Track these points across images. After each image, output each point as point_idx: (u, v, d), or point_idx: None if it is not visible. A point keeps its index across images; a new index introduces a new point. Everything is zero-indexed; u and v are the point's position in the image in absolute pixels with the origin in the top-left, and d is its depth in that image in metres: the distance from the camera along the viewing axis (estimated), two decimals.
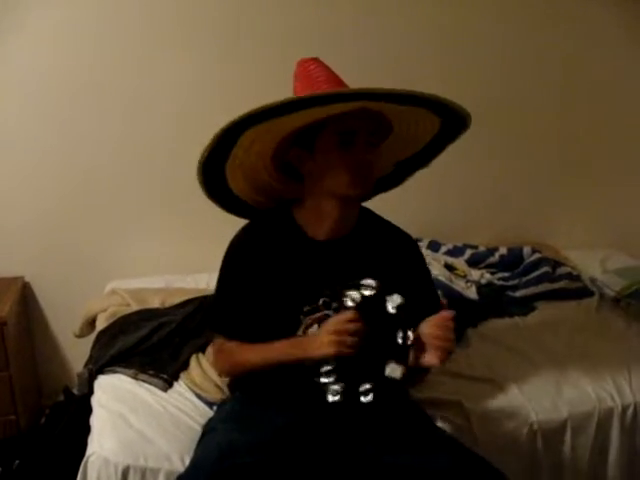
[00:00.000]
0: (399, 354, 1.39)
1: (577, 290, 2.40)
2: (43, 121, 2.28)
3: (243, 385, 1.52)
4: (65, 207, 2.37)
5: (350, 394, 1.34)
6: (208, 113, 2.13)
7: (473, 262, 2.58)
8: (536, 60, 2.64)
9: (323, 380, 1.34)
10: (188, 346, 1.88)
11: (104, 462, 1.43)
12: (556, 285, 2.39)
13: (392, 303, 1.36)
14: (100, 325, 2.06)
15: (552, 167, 2.81)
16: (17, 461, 1.88)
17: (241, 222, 1.56)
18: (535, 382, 1.79)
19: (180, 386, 1.74)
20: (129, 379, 1.75)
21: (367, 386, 1.36)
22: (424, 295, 1.55)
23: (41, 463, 1.83)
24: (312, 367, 1.35)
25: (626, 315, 2.24)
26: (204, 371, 1.76)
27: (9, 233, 2.34)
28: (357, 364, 1.35)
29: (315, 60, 1.43)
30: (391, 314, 1.36)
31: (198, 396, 1.69)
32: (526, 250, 2.63)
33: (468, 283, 2.38)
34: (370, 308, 1.35)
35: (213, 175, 1.42)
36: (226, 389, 1.64)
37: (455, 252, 2.62)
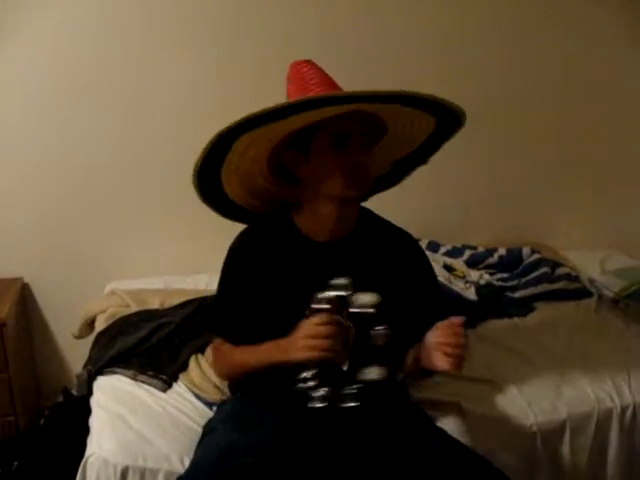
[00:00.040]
0: (380, 355, 1.39)
1: (576, 291, 2.41)
2: (43, 122, 2.28)
3: (243, 386, 1.52)
4: (64, 208, 2.37)
5: (335, 398, 1.33)
6: (208, 113, 2.14)
7: (472, 263, 2.58)
8: (536, 60, 2.65)
9: (301, 386, 1.33)
10: (187, 347, 1.88)
11: (103, 463, 1.43)
12: (555, 286, 2.40)
13: (366, 301, 1.33)
14: (99, 326, 2.06)
15: (551, 167, 2.81)
16: (16, 462, 1.88)
17: (241, 224, 1.56)
18: (534, 383, 1.80)
19: (179, 387, 1.74)
20: (128, 380, 1.74)
21: (353, 390, 1.35)
22: (429, 294, 1.55)
23: (40, 464, 1.82)
24: (291, 374, 1.34)
25: (625, 316, 2.25)
26: (203, 372, 1.76)
27: (8, 234, 2.33)
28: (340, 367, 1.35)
29: (308, 62, 1.43)
30: (369, 313, 1.33)
31: (197, 397, 1.69)
32: (525, 251, 2.63)
33: (467, 284, 2.39)
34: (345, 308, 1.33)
35: (209, 180, 1.42)
36: (226, 389, 1.64)
37: (454, 253, 2.62)
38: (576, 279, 2.47)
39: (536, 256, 2.58)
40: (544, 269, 2.48)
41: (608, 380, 1.81)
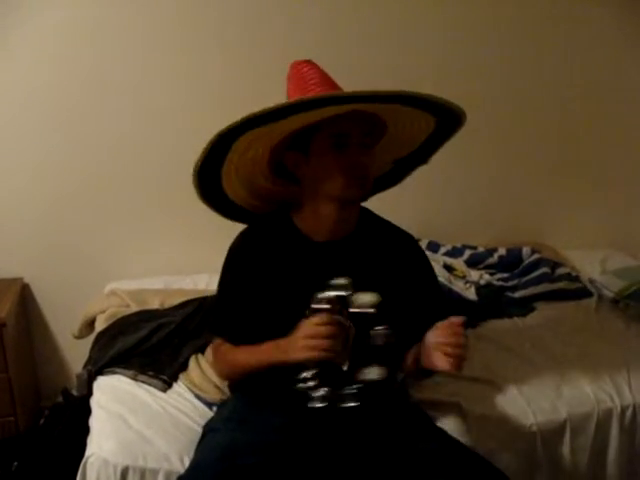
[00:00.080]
0: (380, 355, 1.38)
1: (576, 291, 2.41)
2: (43, 122, 2.28)
3: (244, 385, 1.52)
4: (64, 208, 2.37)
5: (335, 398, 1.33)
6: (209, 114, 2.13)
7: (472, 263, 2.58)
8: (536, 60, 2.65)
9: (301, 386, 1.32)
10: (187, 347, 1.88)
11: (103, 463, 1.43)
12: (555, 286, 2.40)
13: (366, 301, 1.32)
14: (99, 326, 2.06)
15: (551, 167, 2.81)
16: (16, 462, 1.87)
17: (241, 224, 1.56)
18: (534, 383, 1.80)
19: (179, 387, 1.74)
20: (128, 380, 1.75)
21: (352, 390, 1.34)
22: (429, 294, 1.55)
23: (40, 464, 1.82)
24: (291, 374, 1.33)
25: (625, 316, 2.25)
26: (203, 372, 1.76)
27: (8, 234, 2.33)
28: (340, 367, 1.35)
29: (308, 62, 1.43)
30: (369, 313, 1.32)
31: (197, 397, 1.69)
32: (525, 251, 2.63)
33: (467, 284, 2.39)
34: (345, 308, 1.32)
35: (209, 180, 1.42)
36: (226, 389, 1.64)
37: (454, 253, 2.62)
38: (576, 279, 2.48)
39: (536, 256, 2.59)
40: (544, 269, 2.48)
41: (608, 380, 1.81)
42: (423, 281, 1.56)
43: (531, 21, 2.60)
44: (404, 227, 1.58)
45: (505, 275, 2.54)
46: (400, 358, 1.56)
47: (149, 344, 1.90)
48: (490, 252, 2.63)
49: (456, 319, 1.32)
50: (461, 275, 2.44)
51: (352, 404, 1.34)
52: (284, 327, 1.37)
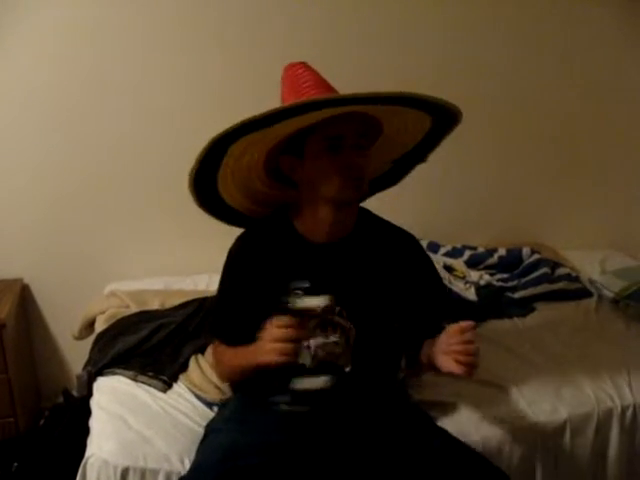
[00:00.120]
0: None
1: (576, 291, 2.41)
2: (42, 123, 2.27)
3: (245, 386, 1.52)
4: (64, 209, 2.37)
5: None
6: (209, 114, 2.14)
7: (472, 263, 2.58)
8: (536, 60, 2.65)
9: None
10: (187, 347, 1.88)
11: (103, 464, 1.43)
12: (555, 286, 2.40)
13: (317, 304, 1.30)
14: (99, 327, 2.06)
15: (551, 168, 2.81)
16: (16, 463, 1.88)
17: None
18: (534, 383, 1.79)
19: (179, 387, 1.74)
20: (128, 381, 1.75)
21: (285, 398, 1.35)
22: (432, 290, 1.56)
23: (40, 465, 1.82)
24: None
25: (625, 316, 2.25)
26: (203, 372, 1.76)
27: (8, 235, 2.33)
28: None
29: (303, 64, 1.42)
30: (314, 311, 1.31)
31: (197, 397, 1.69)
32: (525, 251, 2.63)
33: (467, 284, 2.38)
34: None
35: (205, 186, 1.41)
36: (226, 390, 1.64)
37: (454, 253, 2.62)
38: (576, 279, 2.48)
39: (536, 256, 2.59)
40: (544, 269, 2.49)
41: (608, 380, 1.81)
42: (425, 279, 1.56)
43: (531, 21, 2.60)
44: (404, 227, 1.58)
45: (505, 275, 2.54)
46: (400, 358, 1.57)
47: (149, 345, 1.90)
48: (490, 252, 2.63)
49: (466, 324, 1.32)
50: (461, 275, 2.44)
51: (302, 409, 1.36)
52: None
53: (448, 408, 1.66)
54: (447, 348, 1.32)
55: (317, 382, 1.31)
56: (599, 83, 2.75)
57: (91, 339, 2.05)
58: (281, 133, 1.33)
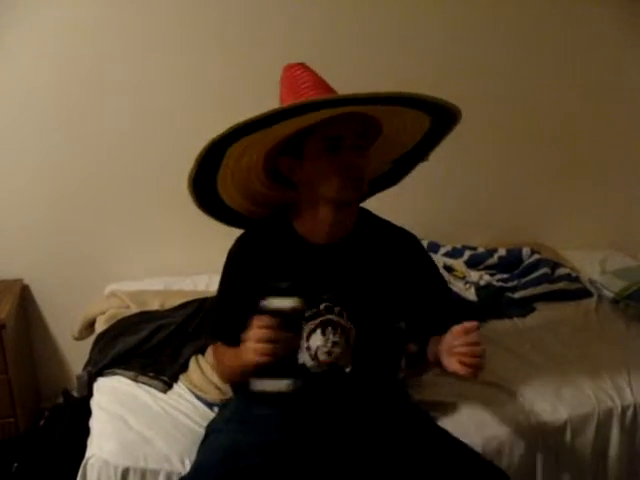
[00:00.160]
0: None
1: (576, 291, 2.41)
2: (42, 124, 2.27)
3: (245, 386, 1.52)
4: (64, 209, 2.36)
5: None
6: (209, 114, 2.14)
7: (472, 263, 2.58)
8: (536, 60, 2.65)
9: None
10: (187, 348, 1.88)
11: (104, 464, 1.43)
12: (555, 286, 2.40)
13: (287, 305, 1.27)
14: (99, 327, 2.06)
15: (551, 168, 2.81)
16: (16, 464, 1.88)
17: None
18: (534, 383, 1.80)
19: (180, 388, 1.74)
20: (128, 381, 1.75)
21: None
22: (434, 291, 1.55)
23: (40, 466, 1.82)
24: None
25: (625, 316, 2.25)
26: (204, 372, 1.76)
27: (8, 235, 2.33)
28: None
29: (301, 65, 1.42)
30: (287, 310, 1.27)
31: (198, 397, 1.69)
32: (525, 251, 2.63)
33: (467, 284, 2.39)
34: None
35: (205, 187, 1.41)
36: (226, 390, 1.64)
37: (454, 253, 2.62)
38: (576, 279, 2.48)
39: (536, 257, 2.59)
40: (544, 270, 2.49)
41: (608, 380, 1.82)
42: (428, 278, 1.56)
43: (531, 21, 2.60)
44: (404, 228, 1.57)
45: (505, 276, 2.54)
46: (400, 358, 1.57)
47: (149, 345, 1.90)
48: (490, 253, 2.63)
49: (470, 325, 1.31)
50: (461, 276, 2.44)
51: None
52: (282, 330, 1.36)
53: (448, 408, 1.66)
54: (452, 349, 1.31)
55: (278, 385, 1.27)
56: (599, 83, 2.75)
57: (91, 339, 2.05)
58: (280, 134, 1.33)
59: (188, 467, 1.42)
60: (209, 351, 1.80)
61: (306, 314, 1.41)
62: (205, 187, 1.41)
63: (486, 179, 2.76)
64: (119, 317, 2.05)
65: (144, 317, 2.04)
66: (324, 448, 1.37)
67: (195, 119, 2.30)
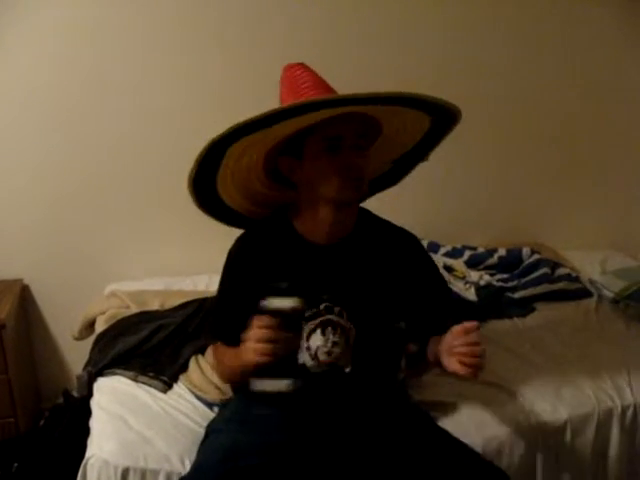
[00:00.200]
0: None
1: (576, 291, 2.41)
2: (42, 123, 2.27)
3: (245, 386, 1.52)
4: (64, 209, 2.36)
5: None
6: (209, 114, 2.14)
7: (472, 263, 2.58)
8: (536, 60, 2.65)
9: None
10: (187, 348, 1.88)
11: (104, 464, 1.43)
12: (555, 286, 2.40)
13: (287, 305, 1.26)
14: (99, 327, 2.06)
15: (551, 168, 2.81)
16: (16, 464, 1.88)
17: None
18: (534, 383, 1.80)
19: (180, 388, 1.74)
20: (128, 381, 1.75)
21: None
22: (434, 291, 1.55)
23: (40, 466, 1.82)
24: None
25: (625, 316, 2.25)
26: (203, 372, 1.76)
27: (8, 235, 2.33)
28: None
29: (301, 65, 1.42)
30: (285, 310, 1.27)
31: (198, 397, 1.69)
32: (525, 251, 2.63)
33: (467, 284, 2.38)
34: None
35: (205, 187, 1.41)
36: (226, 390, 1.64)
37: (454, 253, 2.62)
38: (576, 279, 2.48)
39: (536, 257, 2.59)
40: (544, 270, 2.49)
41: (608, 380, 1.82)
42: (428, 277, 1.56)
43: (531, 21, 2.60)
44: (404, 228, 1.57)
45: (505, 276, 2.54)
46: (400, 358, 1.57)
47: (149, 345, 1.90)
48: (490, 253, 2.63)
49: (470, 325, 1.31)
50: (461, 276, 2.44)
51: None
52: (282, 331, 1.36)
53: (448, 408, 1.66)
54: (451, 349, 1.31)
55: (278, 385, 1.27)
56: (599, 83, 2.75)
57: (91, 339, 2.05)
58: (280, 134, 1.33)
59: (188, 467, 1.42)
60: (209, 351, 1.80)
61: (306, 314, 1.41)
62: (205, 187, 1.41)
63: (486, 179, 2.76)
64: (119, 317, 2.05)
65: (144, 317, 2.04)
66: (324, 448, 1.37)
67: (195, 119, 2.30)
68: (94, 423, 1.59)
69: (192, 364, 1.81)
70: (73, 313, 2.21)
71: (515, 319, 2.22)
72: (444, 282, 1.63)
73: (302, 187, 1.43)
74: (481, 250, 2.65)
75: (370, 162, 1.40)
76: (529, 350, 1.98)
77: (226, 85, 2.36)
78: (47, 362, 2.50)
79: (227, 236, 1.51)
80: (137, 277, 2.39)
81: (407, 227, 1.57)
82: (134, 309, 2.10)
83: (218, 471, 1.25)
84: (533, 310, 2.28)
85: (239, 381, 1.50)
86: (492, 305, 2.26)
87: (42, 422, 2.02)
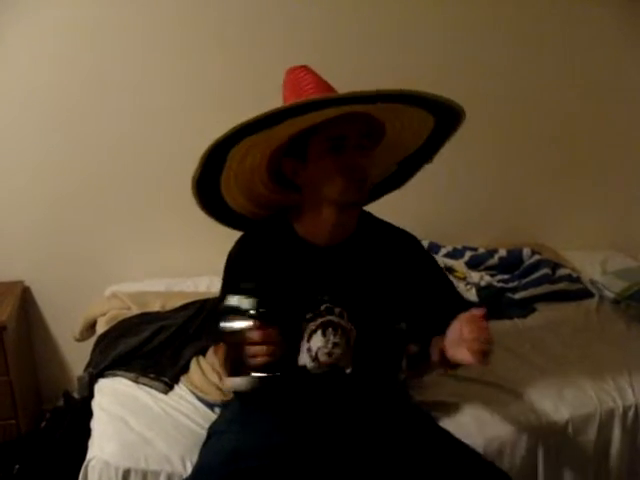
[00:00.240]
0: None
1: (577, 292, 2.41)
2: (42, 123, 2.27)
3: None
4: (65, 210, 2.36)
5: None
6: (209, 114, 2.14)
7: (473, 264, 2.58)
8: (536, 60, 2.65)
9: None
10: (188, 349, 1.88)
11: (105, 465, 1.43)
12: (556, 287, 2.40)
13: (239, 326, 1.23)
14: (100, 329, 2.05)
15: (551, 168, 2.81)
16: (17, 465, 1.88)
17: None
18: (535, 384, 1.79)
19: (180, 389, 1.74)
20: (129, 382, 1.75)
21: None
22: (440, 290, 1.54)
23: (41, 467, 1.83)
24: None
25: (626, 317, 2.25)
26: (204, 373, 1.76)
27: (9, 237, 2.33)
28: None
29: (304, 68, 1.41)
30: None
31: (199, 398, 1.69)
32: (526, 252, 2.63)
33: (468, 285, 2.39)
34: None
35: (208, 189, 1.41)
36: (227, 390, 1.63)
37: (454, 254, 2.62)
38: (577, 280, 2.48)
39: (536, 257, 2.59)
40: (545, 270, 2.48)
41: (610, 381, 1.82)
42: (430, 277, 1.55)
43: (531, 21, 2.60)
44: (405, 229, 1.57)
45: (506, 276, 2.54)
46: (401, 359, 1.57)
47: (150, 346, 1.89)
48: (490, 253, 2.63)
49: (477, 311, 1.26)
50: (461, 276, 2.44)
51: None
52: (283, 332, 1.36)
53: (450, 409, 1.66)
54: (459, 339, 1.25)
55: (238, 383, 1.24)
56: (599, 83, 2.75)
57: (92, 341, 2.05)
58: (283, 134, 1.32)
59: (189, 468, 1.43)
60: (210, 352, 1.80)
61: (307, 316, 1.41)
62: (208, 189, 1.41)
63: (486, 179, 2.76)
64: (120, 318, 2.05)
65: (145, 318, 2.04)
66: (325, 449, 1.37)
67: (195, 119, 2.30)
68: (95, 424, 1.59)
69: (193, 365, 1.81)
70: (74, 314, 2.21)
71: (516, 320, 2.22)
72: (449, 281, 1.63)
73: (305, 189, 1.42)
74: (482, 251, 2.65)
75: (374, 163, 1.40)
76: (530, 351, 1.98)
77: (226, 85, 2.36)
78: (48, 363, 2.50)
79: (228, 237, 1.51)
80: (138, 278, 2.38)
81: (407, 228, 1.57)
82: (135, 310, 2.10)
83: (220, 473, 1.24)
84: (534, 311, 2.28)
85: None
86: (493, 306, 2.25)
87: (43, 424, 2.02)
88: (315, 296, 1.41)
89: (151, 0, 2.26)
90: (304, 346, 1.41)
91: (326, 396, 1.43)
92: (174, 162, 2.13)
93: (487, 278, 2.49)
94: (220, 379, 1.70)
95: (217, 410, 1.63)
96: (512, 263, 2.60)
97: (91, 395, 1.74)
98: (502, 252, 2.63)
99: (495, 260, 2.60)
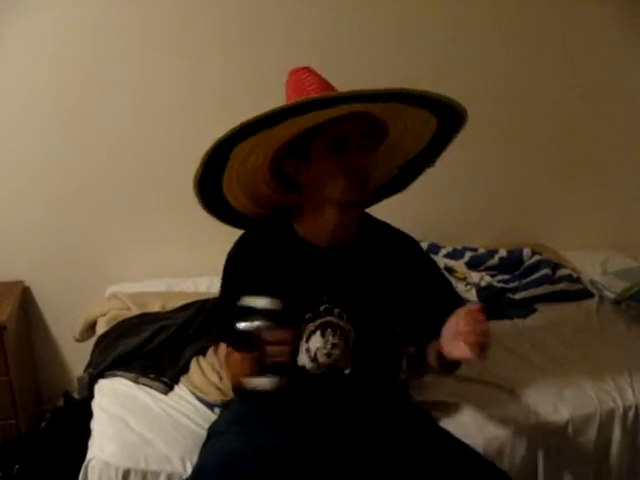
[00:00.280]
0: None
1: (577, 292, 2.41)
2: (42, 123, 2.27)
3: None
4: (65, 210, 2.36)
5: None
6: (209, 114, 2.14)
7: (473, 264, 2.58)
8: (536, 60, 2.65)
9: None
10: (188, 349, 1.88)
11: (105, 466, 1.43)
12: (556, 287, 2.40)
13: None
14: (100, 329, 2.05)
15: (551, 168, 2.81)
16: (17, 465, 1.88)
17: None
18: (536, 384, 1.79)
19: (181, 389, 1.74)
20: (129, 383, 1.75)
21: None
22: (439, 292, 1.54)
23: (41, 467, 1.83)
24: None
25: (626, 317, 2.25)
26: (204, 374, 1.76)
27: (9, 237, 2.33)
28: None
29: (307, 69, 1.42)
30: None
31: (199, 399, 1.69)
32: (526, 252, 2.63)
33: (468, 286, 2.39)
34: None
35: (210, 188, 1.41)
36: (227, 390, 1.64)
37: (455, 255, 2.61)
38: (577, 280, 2.48)
39: (537, 257, 2.58)
40: (545, 270, 2.48)
41: (610, 381, 1.82)
42: (429, 278, 1.55)
43: (531, 21, 2.60)
44: (405, 229, 1.57)
45: (506, 277, 2.54)
46: (401, 359, 1.57)
47: (150, 347, 1.89)
48: (491, 254, 2.63)
49: (474, 306, 1.26)
50: (462, 277, 2.44)
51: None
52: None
53: (450, 409, 1.66)
54: (455, 333, 1.24)
55: (263, 383, 1.22)
56: (599, 83, 2.75)
57: (92, 341, 2.04)
58: (286, 134, 1.32)
59: (189, 468, 1.43)
60: (210, 352, 1.80)
61: (306, 316, 1.41)
62: (210, 188, 1.41)
63: (486, 179, 2.76)
64: (120, 319, 2.05)
65: (145, 319, 2.04)
66: (325, 450, 1.37)
67: (195, 119, 2.30)
68: (95, 425, 1.59)
69: (193, 365, 1.81)
70: (74, 315, 2.21)
71: (516, 320, 2.22)
72: (448, 282, 1.63)
73: (308, 188, 1.42)
74: (482, 251, 2.65)
75: (376, 164, 1.40)
76: (530, 351, 1.98)
77: (226, 85, 2.36)
78: (48, 364, 2.50)
79: (229, 237, 1.50)
80: (138, 278, 2.38)
81: (407, 228, 1.57)
82: (135, 311, 2.10)
83: (219, 474, 1.24)
84: (534, 311, 2.28)
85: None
86: (493, 306, 2.25)
87: (43, 424, 2.02)
88: (314, 297, 1.41)
89: (151, 0, 2.26)
90: (303, 346, 1.41)
91: (325, 397, 1.43)
92: (174, 162, 2.13)
93: (487, 278, 2.49)
94: (220, 379, 1.70)
95: (217, 410, 1.63)
96: (512, 263, 2.59)
97: (91, 395, 1.74)
98: (502, 252, 2.63)
99: (495, 260, 2.60)
